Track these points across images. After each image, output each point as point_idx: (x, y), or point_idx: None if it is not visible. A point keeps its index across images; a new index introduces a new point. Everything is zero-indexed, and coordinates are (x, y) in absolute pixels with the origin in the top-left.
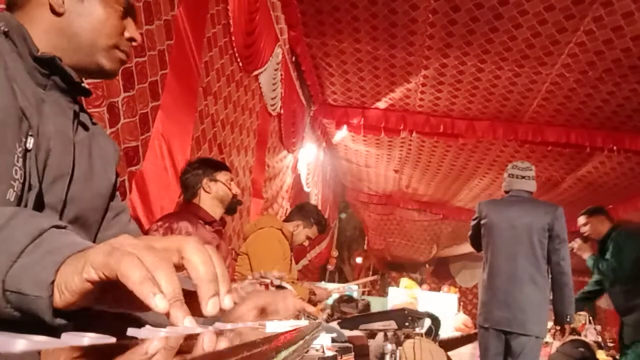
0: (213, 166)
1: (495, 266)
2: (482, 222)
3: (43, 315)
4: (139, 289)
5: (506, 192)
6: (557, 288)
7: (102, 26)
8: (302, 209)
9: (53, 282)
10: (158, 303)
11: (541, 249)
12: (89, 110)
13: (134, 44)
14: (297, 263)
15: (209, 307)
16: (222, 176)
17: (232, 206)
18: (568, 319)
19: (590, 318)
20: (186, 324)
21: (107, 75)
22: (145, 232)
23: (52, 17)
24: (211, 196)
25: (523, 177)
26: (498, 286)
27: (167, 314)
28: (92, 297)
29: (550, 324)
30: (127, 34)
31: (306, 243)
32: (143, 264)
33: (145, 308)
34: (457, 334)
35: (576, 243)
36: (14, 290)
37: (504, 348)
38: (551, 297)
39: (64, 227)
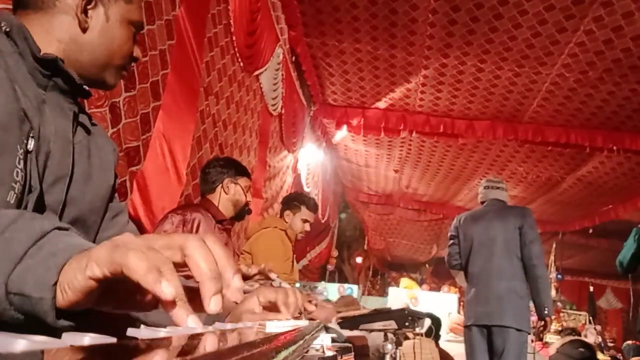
0: (238, 169)
1: (474, 268)
2: (460, 233)
3: (46, 317)
4: (146, 279)
5: (482, 202)
6: (532, 281)
7: (119, 49)
8: (284, 201)
9: (55, 283)
10: (165, 289)
11: (515, 247)
12: (91, 111)
13: (134, 63)
14: (297, 262)
15: (211, 305)
16: (243, 181)
17: (242, 213)
18: (546, 312)
19: (590, 318)
20: (190, 323)
21: (106, 88)
22: (153, 227)
23: (74, 29)
24: (228, 197)
25: (497, 188)
26: (477, 283)
27: (170, 308)
28: (94, 296)
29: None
30: (133, 54)
31: (307, 227)
32: (148, 259)
33: (147, 307)
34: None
35: None
36: (16, 293)
37: (487, 346)
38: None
39: (67, 229)
